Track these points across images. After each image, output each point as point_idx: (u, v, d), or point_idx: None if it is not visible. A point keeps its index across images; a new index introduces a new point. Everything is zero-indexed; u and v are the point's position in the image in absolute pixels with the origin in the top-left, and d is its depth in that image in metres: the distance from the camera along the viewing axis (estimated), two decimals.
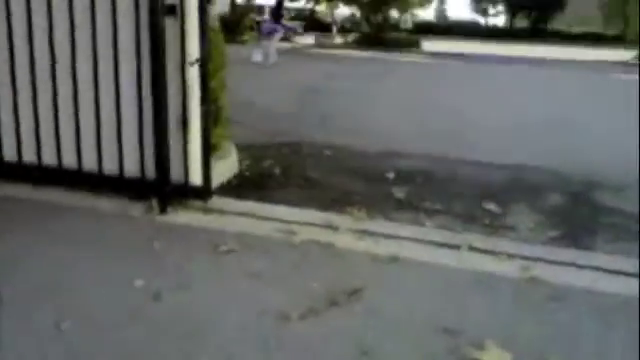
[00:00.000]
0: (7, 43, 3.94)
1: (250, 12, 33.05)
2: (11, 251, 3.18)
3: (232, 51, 19.21)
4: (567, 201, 4.66)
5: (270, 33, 17.37)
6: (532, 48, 31.89)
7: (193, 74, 3.76)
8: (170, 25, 3.68)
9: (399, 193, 4.52)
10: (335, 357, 2.38)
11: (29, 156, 4.06)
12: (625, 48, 28.77)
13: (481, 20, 52.30)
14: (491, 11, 51.88)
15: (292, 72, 14.81)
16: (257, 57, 16.75)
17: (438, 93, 11.83)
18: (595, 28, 43.17)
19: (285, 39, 21.75)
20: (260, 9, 35.34)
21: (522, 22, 50.08)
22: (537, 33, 45.81)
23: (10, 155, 4.10)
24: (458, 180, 5.08)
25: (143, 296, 2.72)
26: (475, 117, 8.66)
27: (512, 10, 49.85)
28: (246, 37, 27.07)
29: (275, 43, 17.26)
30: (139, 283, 2.82)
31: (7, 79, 3.98)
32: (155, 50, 3.65)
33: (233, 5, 30.46)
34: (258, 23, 23.48)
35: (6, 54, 3.95)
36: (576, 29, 45.05)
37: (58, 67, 3.89)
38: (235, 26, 27.79)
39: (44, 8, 3.84)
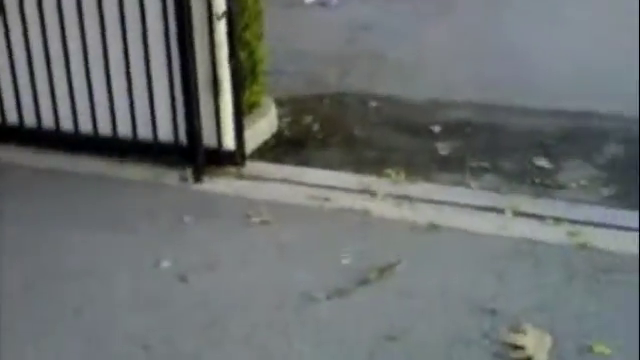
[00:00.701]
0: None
1: None
2: (34, 226, 3.18)
3: None
4: (628, 152, 4.30)
5: None
6: None
7: (221, 28, 3.59)
8: None
9: (444, 149, 4.29)
10: (361, 343, 2.28)
11: (66, 123, 4.03)
12: None
13: None
14: None
15: (346, 12, 14.32)
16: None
17: (496, 31, 11.19)
18: None
19: None
20: None
21: None
22: None
23: (47, 122, 4.08)
24: (510, 131, 4.77)
25: (168, 278, 2.68)
26: (536, 58, 8.13)
27: None
28: None
29: None
30: (165, 264, 2.77)
31: (39, 42, 3.91)
32: (179, 3, 3.48)
33: None
34: None
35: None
36: None
37: (85, 25, 3.78)
38: None
39: None
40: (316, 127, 4.78)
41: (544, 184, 3.73)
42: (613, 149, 4.35)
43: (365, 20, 12.69)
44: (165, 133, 3.80)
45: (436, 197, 3.46)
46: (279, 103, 5.07)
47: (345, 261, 2.78)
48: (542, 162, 4.04)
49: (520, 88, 6.28)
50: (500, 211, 3.30)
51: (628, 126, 4.82)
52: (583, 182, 3.73)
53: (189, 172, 3.68)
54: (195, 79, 3.62)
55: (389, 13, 14.26)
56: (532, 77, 6.83)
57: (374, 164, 3.98)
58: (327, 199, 3.41)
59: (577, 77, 6.86)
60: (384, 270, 2.71)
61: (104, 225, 3.14)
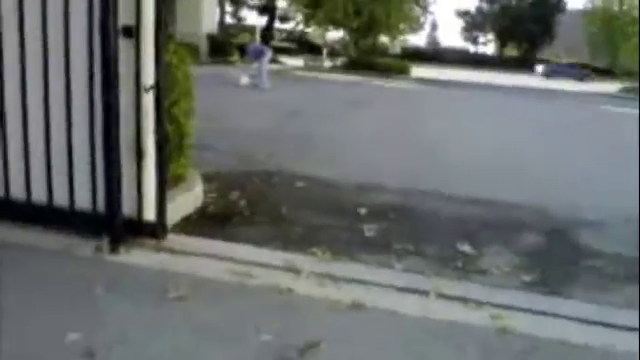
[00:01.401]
0: None
1: (239, 33, 33.10)
2: None
3: (219, 72, 19.22)
4: (545, 241, 4.47)
5: (257, 55, 17.20)
6: (520, 77, 32.07)
7: (149, 101, 3.54)
8: (125, 48, 3.47)
9: (370, 231, 4.30)
10: None
11: None
12: (613, 80, 29.02)
13: (472, 48, 52.79)
14: (481, 39, 52.51)
15: (276, 95, 14.66)
16: (243, 80, 16.61)
17: (420, 121, 11.71)
18: (583, 59, 43.72)
19: (273, 61, 21.65)
20: (251, 30, 35.45)
21: (512, 51, 50.64)
22: (526, 62, 46.29)
23: None
24: (434, 216, 4.88)
25: (75, 352, 2.46)
26: (456, 148, 8.51)
27: (502, 39, 50.40)
28: (234, 58, 27.04)
29: (266, 66, 17.07)
30: (73, 337, 2.56)
31: None
32: (107, 74, 3.42)
33: (222, 25, 30.48)
34: (243, 45, 23.38)
35: None
36: (564, 60, 45.54)
37: (6, 91, 3.65)
38: (223, 47, 27.79)
39: None
40: (242, 203, 4.72)
41: (467, 269, 3.77)
42: (531, 237, 4.50)
43: (294, 103, 13.09)
44: (83, 200, 3.63)
45: (361, 277, 3.42)
46: (206, 178, 5.01)
47: (265, 339, 2.66)
48: (465, 247, 4.11)
49: (440, 176, 6.52)
50: (424, 293, 3.28)
51: (543, 216, 5.03)
52: (504, 268, 3.80)
53: (106, 242, 3.50)
54: (118, 147, 3.52)
55: (316, 99, 14.76)
56: (451, 166, 7.13)
57: (300, 242, 3.93)
58: (250, 275, 3.30)
59: (492, 168, 7.21)
60: (305, 349, 2.60)
61: (10, 296, 2.89)
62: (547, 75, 37.28)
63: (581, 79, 35.54)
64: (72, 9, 3.48)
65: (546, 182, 6.43)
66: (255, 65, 17.24)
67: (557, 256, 4.16)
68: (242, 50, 24.57)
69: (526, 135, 10.67)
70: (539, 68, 39.88)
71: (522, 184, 6.31)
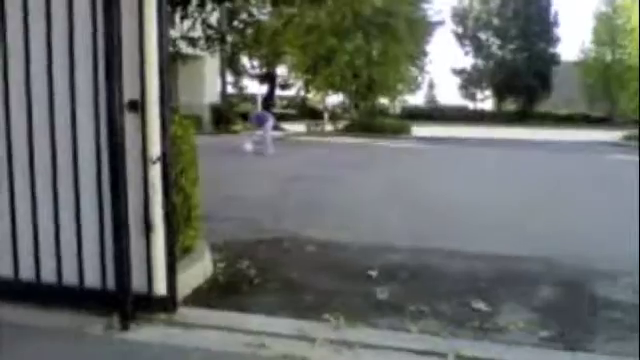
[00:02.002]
0: None
1: (241, 102, 33.66)
2: None
3: (223, 141, 19.43)
4: (560, 294, 4.40)
5: (260, 122, 17.44)
6: (520, 130, 32.36)
7: (156, 172, 3.57)
8: (131, 121, 3.53)
9: (382, 294, 4.24)
10: None
11: None
12: (612, 128, 29.25)
13: (470, 105, 53.40)
14: (479, 96, 53.09)
15: (281, 161, 14.77)
16: (247, 147, 16.78)
17: (425, 180, 11.74)
18: (581, 109, 44.21)
19: (276, 127, 21.93)
20: (252, 98, 36.09)
21: (510, 106, 51.22)
22: (525, 116, 46.76)
23: None
24: (445, 275, 4.82)
25: None
26: (463, 204, 8.49)
27: (500, 94, 51.03)
28: (237, 127, 27.41)
29: (270, 133, 17.29)
30: None
31: None
32: (114, 147, 3.47)
33: (224, 95, 31.02)
34: (246, 114, 23.75)
35: None
36: (563, 111, 46.04)
37: (15, 172, 3.70)
38: (226, 116, 28.22)
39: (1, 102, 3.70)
40: (252, 272, 4.68)
41: (483, 327, 3.69)
42: (545, 291, 4.43)
43: (299, 168, 13.17)
44: (92, 278, 3.62)
45: (377, 342, 3.35)
46: (215, 248, 4.99)
47: None
48: (479, 305, 4.04)
49: (448, 233, 6.48)
50: (442, 355, 3.21)
51: (554, 269, 4.97)
52: (521, 324, 3.73)
53: (116, 319, 3.46)
54: (126, 222, 3.53)
55: (321, 163, 14.85)
56: (458, 223, 7.10)
57: (312, 309, 3.87)
58: (263, 346, 3.24)
59: (500, 222, 7.17)
60: None
61: None
62: None
63: None
64: (78, 85, 3.57)
65: (557, 234, 6.38)
66: (259, 132, 17.46)
67: (573, 309, 4.08)
68: (245, 117, 24.97)
69: (532, 187, 10.65)
70: None
71: (533, 237, 6.26)
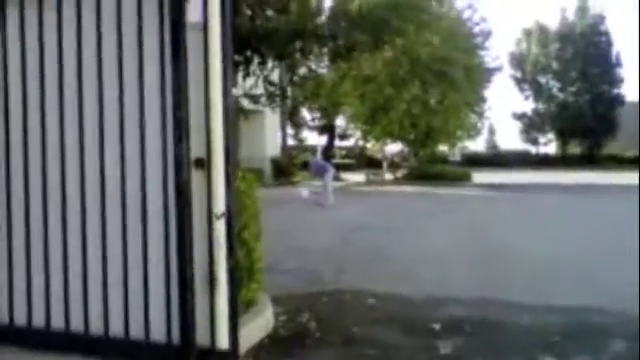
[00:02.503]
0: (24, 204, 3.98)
1: (301, 153, 34.11)
2: None
3: (284, 193, 19.62)
4: (633, 347, 4.18)
5: (320, 170, 17.60)
6: (585, 175, 31.43)
7: (220, 228, 3.66)
8: (197, 178, 3.66)
9: (445, 348, 4.16)
10: None
11: (56, 322, 3.94)
12: None
13: (532, 149, 52.41)
14: (542, 140, 52.10)
15: (341, 211, 14.80)
16: (304, 193, 16.94)
17: (487, 228, 11.51)
18: None
19: (336, 178, 22.09)
20: (312, 149, 36.59)
21: (574, 149, 49.97)
22: (590, 159, 45.46)
23: (38, 320, 3.99)
24: (512, 328, 4.68)
25: None
26: (529, 253, 8.27)
27: (563, 138, 49.95)
28: (298, 178, 27.76)
29: (330, 182, 17.40)
30: None
31: (39, 246, 3.98)
32: (181, 204, 3.60)
33: (284, 147, 31.58)
34: (306, 163, 24.04)
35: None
36: (630, 153, 44.55)
37: (88, 227, 3.87)
38: (287, 168, 28.66)
39: (76, 158, 3.90)
40: (313, 325, 4.67)
41: None
42: (618, 344, 4.23)
43: (360, 218, 13.17)
44: (158, 332, 3.70)
45: None
46: (276, 300, 5.02)
47: None
48: None
49: (515, 285, 6.30)
50: None
51: (626, 321, 4.74)
52: None
53: None
54: (192, 276, 3.62)
55: (381, 212, 14.80)
56: (525, 274, 6.89)
57: None
58: None
59: (568, 273, 6.92)
60: None
61: None
62: None
63: None
64: (147, 142, 3.74)
65: (625, 284, 6.11)
66: (320, 183, 17.61)
67: None
68: (305, 166, 25.29)
69: (600, 235, 10.28)
70: None
71: (601, 287, 6.02)
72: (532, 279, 6.59)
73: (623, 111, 46.37)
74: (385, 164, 33.25)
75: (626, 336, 4.39)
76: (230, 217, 3.68)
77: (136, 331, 3.76)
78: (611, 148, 46.79)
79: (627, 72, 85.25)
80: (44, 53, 3.97)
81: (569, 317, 4.92)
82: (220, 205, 3.66)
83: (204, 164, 3.66)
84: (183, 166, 3.62)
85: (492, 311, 5.14)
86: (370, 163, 37.71)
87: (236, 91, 10.09)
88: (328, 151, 34.57)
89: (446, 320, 4.79)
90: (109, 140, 3.83)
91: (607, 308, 5.14)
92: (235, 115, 11.22)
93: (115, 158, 3.81)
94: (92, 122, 3.87)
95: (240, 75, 10.23)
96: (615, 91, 47.76)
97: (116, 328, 3.80)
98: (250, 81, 10.50)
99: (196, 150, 3.67)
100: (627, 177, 26.87)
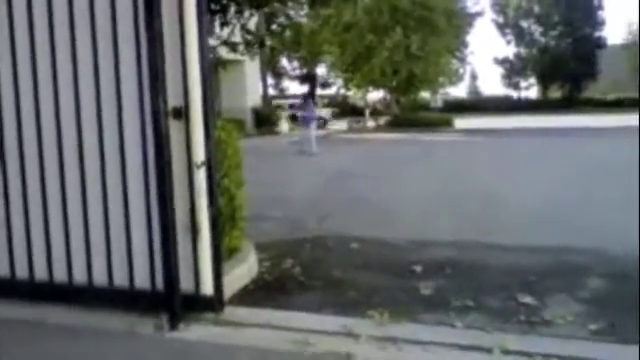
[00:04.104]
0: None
1: (283, 104, 33.87)
2: None
3: (266, 142, 19.62)
4: (611, 285, 4.31)
5: (307, 121, 17.63)
6: (567, 118, 31.62)
7: (200, 177, 3.65)
8: (175, 128, 3.62)
9: (427, 289, 4.24)
10: None
11: (39, 273, 3.95)
12: None
13: (514, 94, 52.47)
14: (523, 84, 52.10)
15: (323, 159, 14.83)
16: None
17: (469, 173, 11.62)
18: (630, 93, 42.80)
19: (318, 126, 22.06)
20: (293, 98, 36.33)
21: (555, 93, 50.08)
22: (570, 103, 45.66)
23: (21, 272, 4.00)
24: (491, 268, 4.78)
25: None
26: (508, 197, 8.38)
27: (544, 82, 49.99)
28: (280, 128, 27.68)
29: (314, 132, 17.43)
30: None
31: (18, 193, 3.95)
32: (160, 154, 3.57)
33: (265, 97, 31.31)
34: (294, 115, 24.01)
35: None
36: (611, 96, 44.78)
37: (66, 175, 3.84)
38: (268, 118, 28.50)
39: (51, 108, 3.84)
40: (297, 270, 4.74)
41: (530, 321, 3.65)
42: (594, 282, 4.35)
43: (342, 166, 13.23)
44: (141, 280, 3.73)
45: (422, 337, 3.35)
46: (260, 247, 5.07)
47: None
48: (526, 299, 3.99)
49: (495, 226, 6.41)
50: (488, 350, 3.19)
51: (605, 260, 4.86)
52: (569, 318, 3.67)
53: (165, 320, 3.56)
54: (174, 225, 3.63)
55: (363, 159, 14.86)
56: (504, 216, 7.01)
57: (357, 306, 3.90)
58: (308, 343, 3.29)
59: (547, 214, 7.04)
60: None
61: None
62: None
63: None
64: (123, 94, 3.68)
65: (605, 225, 6.24)
66: (304, 131, 17.63)
67: (623, 301, 3.98)
68: (291, 107, 25.21)
69: (580, 177, 10.43)
70: None
71: (581, 228, 6.14)
72: (512, 222, 6.70)
73: (604, 54, 46.36)
74: (367, 112, 33.16)
75: (601, 274, 4.50)
76: (210, 166, 3.67)
77: (120, 280, 3.78)
78: (592, 92, 46.97)
79: (609, 15, 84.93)
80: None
81: (548, 256, 5.03)
82: (200, 154, 3.64)
83: (182, 114, 3.63)
84: (160, 116, 3.57)
85: (472, 253, 5.25)
86: (352, 111, 37.59)
87: (213, 42, 9.94)
88: (309, 99, 34.38)
89: (427, 262, 4.87)
90: (84, 93, 3.76)
91: (583, 247, 5.26)
92: (213, 64, 11.08)
93: (92, 110, 3.75)
94: (66, 75, 3.79)
95: (217, 24, 10.05)
96: (597, 34, 47.64)
97: (100, 277, 3.82)
98: (227, 30, 10.34)
99: (173, 101, 3.62)
100: (608, 120, 27.09)
